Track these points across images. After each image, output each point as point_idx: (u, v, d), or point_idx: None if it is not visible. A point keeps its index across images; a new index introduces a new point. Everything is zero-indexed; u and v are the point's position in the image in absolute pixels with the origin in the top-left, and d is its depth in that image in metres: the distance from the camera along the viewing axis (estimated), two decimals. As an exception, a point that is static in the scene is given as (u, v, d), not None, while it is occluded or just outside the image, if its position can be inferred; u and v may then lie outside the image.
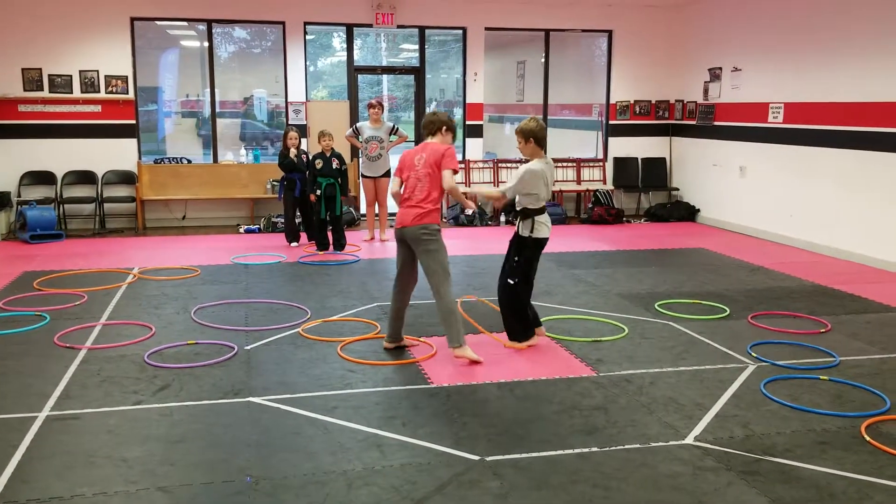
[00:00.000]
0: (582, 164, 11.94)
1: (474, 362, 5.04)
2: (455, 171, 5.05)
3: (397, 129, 9.39)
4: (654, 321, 6.09)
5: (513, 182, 5.20)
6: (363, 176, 9.55)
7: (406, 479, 3.50)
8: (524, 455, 3.76)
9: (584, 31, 11.78)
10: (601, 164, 12.00)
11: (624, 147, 12.00)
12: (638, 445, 3.88)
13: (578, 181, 11.89)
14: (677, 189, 11.98)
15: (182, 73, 11.60)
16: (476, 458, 3.72)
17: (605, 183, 11.91)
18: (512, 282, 5.29)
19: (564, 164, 11.89)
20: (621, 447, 3.85)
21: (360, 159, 9.45)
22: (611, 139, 11.99)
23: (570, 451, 3.80)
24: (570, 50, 12.46)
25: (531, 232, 5.20)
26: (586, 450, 3.82)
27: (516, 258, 5.28)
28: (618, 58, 11.83)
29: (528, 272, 5.30)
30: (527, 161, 5.27)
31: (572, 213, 11.85)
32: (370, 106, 9.35)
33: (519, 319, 5.38)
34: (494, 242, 9.49)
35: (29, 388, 4.55)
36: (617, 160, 11.97)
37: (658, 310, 6.39)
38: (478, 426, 4.09)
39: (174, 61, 11.51)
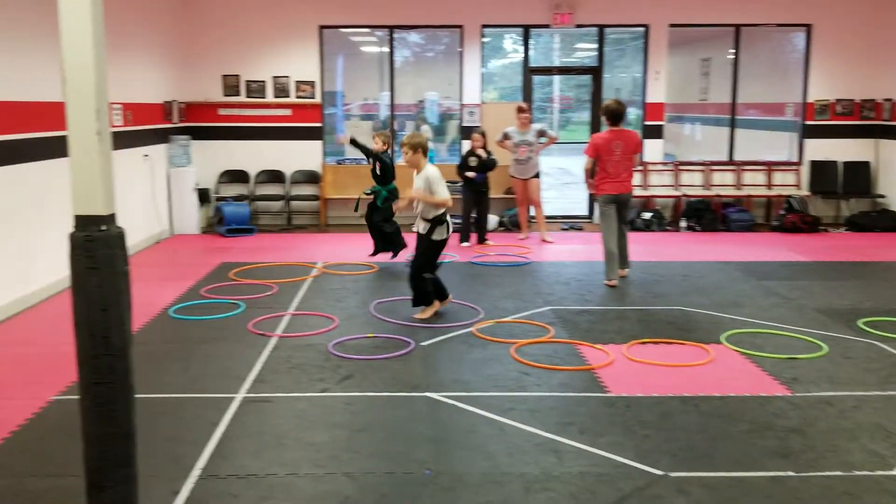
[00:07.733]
0: (773, 168, 11.17)
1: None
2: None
3: (545, 131, 9.65)
4: (857, 340, 5.55)
5: (441, 185, 5.93)
6: (512, 177, 9.73)
7: (585, 488, 3.39)
8: (712, 474, 3.53)
9: (779, 25, 11.02)
10: (796, 167, 11.16)
11: (822, 150, 11.09)
12: (840, 473, 3.54)
13: (769, 186, 11.12)
14: (884, 196, 10.89)
15: (360, 77, 12.10)
16: (659, 472, 3.54)
17: (799, 188, 11.07)
18: (430, 276, 6.11)
19: (753, 167, 11.18)
20: (820, 473, 3.54)
21: (510, 161, 9.64)
22: (807, 141, 11.12)
23: (763, 474, 3.54)
24: (760, 45, 11.69)
25: (447, 234, 6.08)
26: (781, 473, 3.55)
27: (423, 257, 6.10)
28: (817, 53, 10.95)
29: (435, 263, 6.19)
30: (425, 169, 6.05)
31: (761, 219, 11.08)
32: (520, 110, 9.52)
33: (424, 290, 6.09)
34: (675, 248, 9.10)
35: (227, 371, 4.88)
36: (814, 164, 11.08)
37: (862, 328, 5.82)
38: (660, 440, 3.90)
39: (354, 66, 12.02)
